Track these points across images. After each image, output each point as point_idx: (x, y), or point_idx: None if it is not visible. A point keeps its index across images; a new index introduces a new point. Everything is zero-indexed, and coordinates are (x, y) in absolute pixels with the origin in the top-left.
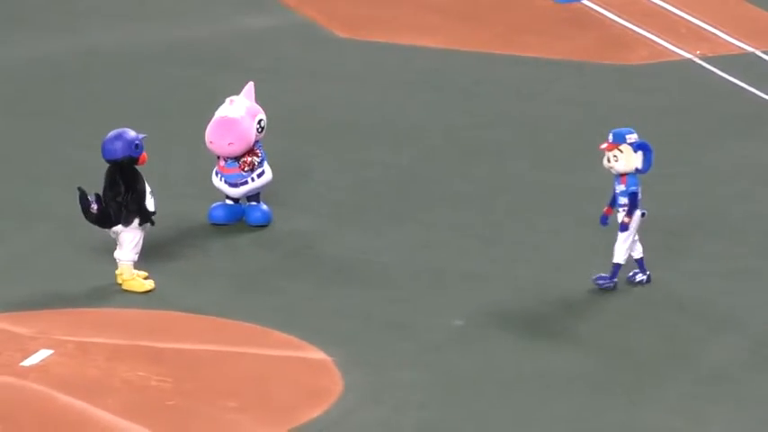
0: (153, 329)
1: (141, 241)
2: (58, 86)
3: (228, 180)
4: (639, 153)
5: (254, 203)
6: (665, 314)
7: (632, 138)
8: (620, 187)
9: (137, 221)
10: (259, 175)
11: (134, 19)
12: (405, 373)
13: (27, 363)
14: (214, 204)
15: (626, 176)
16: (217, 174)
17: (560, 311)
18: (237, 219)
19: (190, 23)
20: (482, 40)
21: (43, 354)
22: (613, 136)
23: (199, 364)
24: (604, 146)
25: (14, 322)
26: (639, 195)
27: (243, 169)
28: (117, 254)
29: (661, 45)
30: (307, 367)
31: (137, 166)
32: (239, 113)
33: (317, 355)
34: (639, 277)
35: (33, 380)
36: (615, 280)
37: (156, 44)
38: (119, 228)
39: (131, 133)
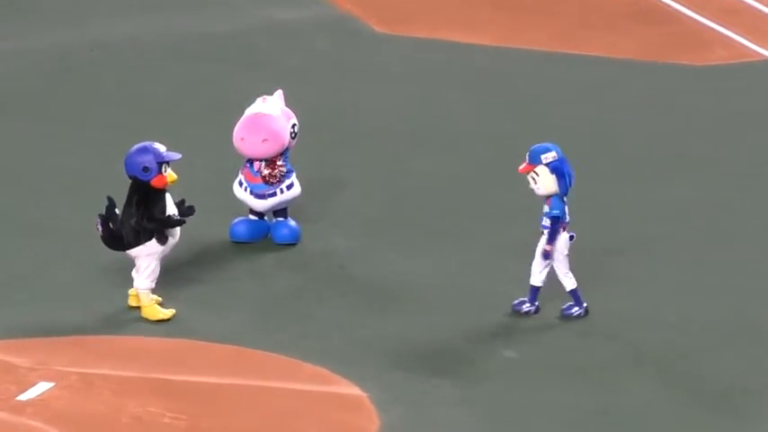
0: (166, 360)
1: (158, 268)
2: (61, 84)
3: (255, 190)
4: (554, 176)
5: (280, 219)
6: (743, 346)
7: (549, 157)
8: (546, 208)
9: (151, 246)
10: (288, 188)
11: (146, 9)
12: (447, 411)
13: (24, 397)
14: (236, 220)
15: (550, 198)
16: (241, 184)
17: (624, 342)
18: (262, 236)
19: (210, 15)
20: (538, 37)
21: (42, 387)
22: (529, 155)
23: (217, 399)
24: (522, 167)
25: (11, 351)
26: (566, 219)
27: (269, 182)
28: (135, 279)
29: (742, 44)
30: (339, 404)
31: (160, 188)
32: (275, 111)
33: (350, 390)
34: (576, 311)
35: (30, 416)
36: (584, 305)
37: (172, 38)
38: (133, 252)
39: (154, 151)
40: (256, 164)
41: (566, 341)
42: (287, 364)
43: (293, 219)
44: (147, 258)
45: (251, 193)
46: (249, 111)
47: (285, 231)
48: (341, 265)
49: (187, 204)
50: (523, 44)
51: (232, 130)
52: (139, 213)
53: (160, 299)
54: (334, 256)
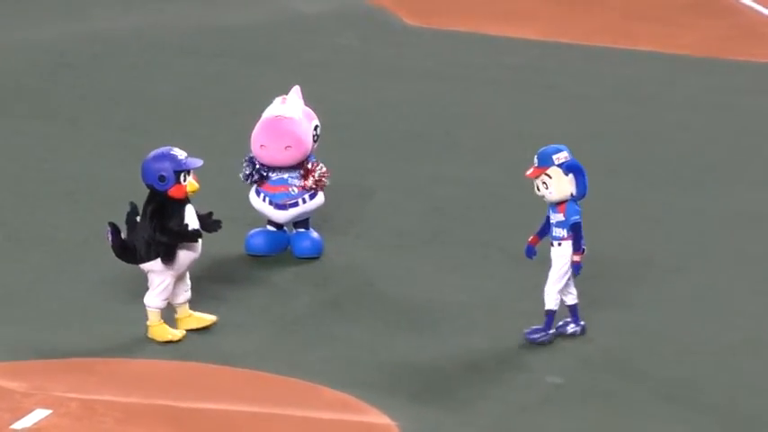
0: (175, 385)
1: (172, 285)
2: (58, 81)
3: (275, 200)
4: (571, 176)
5: (301, 230)
6: None
7: (561, 157)
8: (557, 216)
9: (159, 262)
10: (311, 196)
11: (153, 0)
12: None
13: (19, 425)
14: (252, 231)
15: (564, 204)
16: (258, 193)
17: (686, 367)
18: (281, 249)
19: (223, 6)
20: (586, 30)
21: (39, 414)
22: (539, 158)
23: (231, 428)
24: (530, 171)
25: (5, 374)
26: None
27: (318, 189)
28: (146, 296)
29: None
30: None
31: (178, 198)
32: (296, 113)
33: (377, 419)
34: (572, 328)
35: None
36: (551, 332)
37: (181, 31)
38: (145, 266)
39: (172, 158)
40: (287, 181)
41: (616, 365)
42: (307, 389)
43: (315, 230)
44: (160, 275)
45: (270, 203)
46: (268, 113)
47: (307, 244)
48: (368, 281)
49: (213, 218)
50: (569, 38)
51: (247, 131)
52: (152, 225)
53: (211, 318)
54: (360, 271)
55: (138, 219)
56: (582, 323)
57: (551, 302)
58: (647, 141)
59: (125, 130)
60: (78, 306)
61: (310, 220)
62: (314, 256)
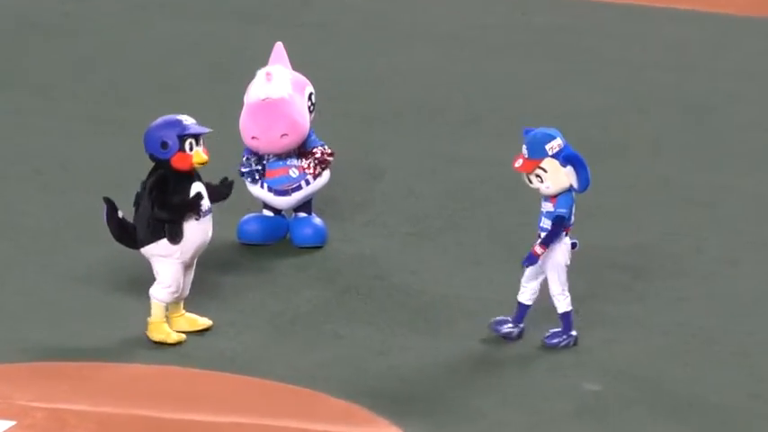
0: (159, 393)
1: (182, 276)
2: (24, 45)
3: (274, 186)
4: (570, 167)
5: (303, 215)
6: None
7: (554, 146)
8: (547, 206)
9: (166, 245)
10: (315, 176)
11: None
12: None
13: None
14: (246, 216)
15: (559, 195)
16: (254, 179)
17: (743, 371)
18: (279, 237)
19: None
20: None
21: (1, 426)
22: (528, 148)
23: None
24: (519, 164)
25: None
26: (571, 221)
27: (317, 173)
28: (152, 286)
29: None
30: None
31: (183, 170)
32: (285, 91)
33: (388, 431)
34: (563, 339)
35: None
36: (573, 333)
37: None
38: (147, 250)
39: (177, 123)
40: (285, 163)
41: (661, 369)
42: (309, 397)
43: (318, 215)
44: (164, 262)
45: (269, 189)
46: (253, 95)
47: (308, 231)
48: (378, 274)
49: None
50: None
51: (239, 101)
52: (151, 198)
53: (207, 321)
54: (368, 263)
55: (106, 198)
56: (574, 333)
57: (562, 304)
58: (695, 114)
59: (101, 101)
60: (47, 302)
61: (313, 204)
62: (316, 244)
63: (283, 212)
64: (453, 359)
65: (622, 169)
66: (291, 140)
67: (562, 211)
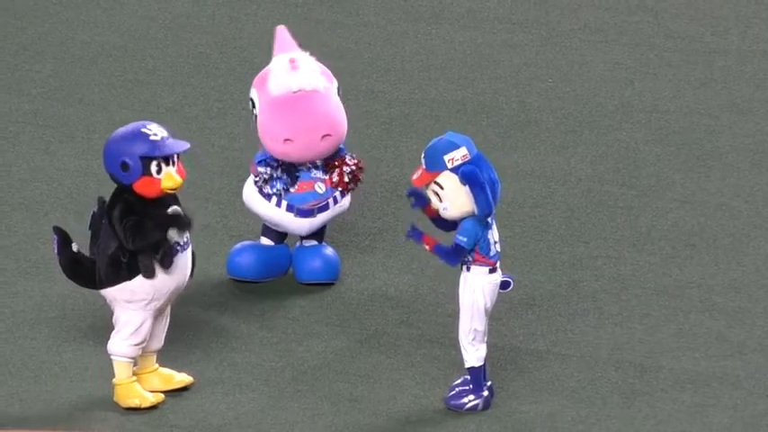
0: None
1: (148, 324)
2: None
3: (297, 204)
4: (467, 188)
5: (310, 244)
6: None
7: (456, 157)
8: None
9: (134, 287)
10: (343, 194)
11: None
12: None
13: None
14: (239, 245)
15: (463, 220)
16: (269, 197)
17: None
18: (280, 272)
19: None
20: None
21: None
22: (425, 157)
23: None
24: (416, 175)
25: None
26: (491, 253)
27: (349, 189)
28: (110, 339)
29: None
30: None
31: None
32: (320, 81)
33: None
34: (470, 401)
35: None
36: (484, 393)
37: None
38: (107, 293)
39: (142, 138)
40: (311, 175)
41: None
42: None
43: (329, 244)
44: (128, 308)
45: (289, 208)
46: (282, 85)
47: (317, 264)
48: (402, 318)
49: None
50: None
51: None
52: (120, 229)
53: (186, 378)
54: (391, 305)
55: (55, 227)
56: (485, 394)
57: (471, 357)
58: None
59: (50, 97)
60: (12, 353)
61: (326, 229)
62: (326, 281)
63: (285, 240)
64: (496, 420)
65: (698, 180)
66: (332, 144)
67: (462, 239)
